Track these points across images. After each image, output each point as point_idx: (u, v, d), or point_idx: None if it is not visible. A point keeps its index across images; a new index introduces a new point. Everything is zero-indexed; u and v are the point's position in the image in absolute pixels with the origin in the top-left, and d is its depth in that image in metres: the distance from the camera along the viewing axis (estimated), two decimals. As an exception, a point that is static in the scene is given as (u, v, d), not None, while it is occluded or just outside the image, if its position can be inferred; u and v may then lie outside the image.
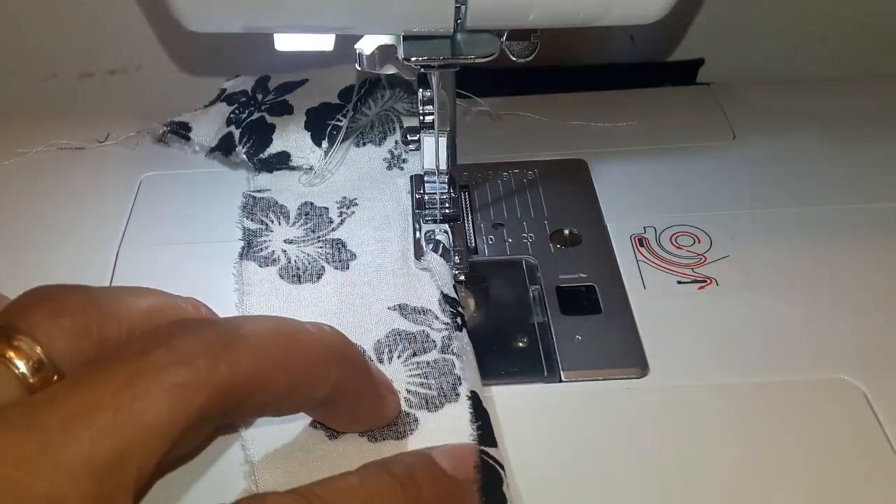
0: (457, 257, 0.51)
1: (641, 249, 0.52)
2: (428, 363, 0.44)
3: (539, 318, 0.49)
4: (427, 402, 0.42)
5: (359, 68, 0.46)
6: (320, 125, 0.58)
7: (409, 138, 0.53)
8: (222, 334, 0.32)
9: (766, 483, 0.41)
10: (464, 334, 0.46)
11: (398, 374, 0.44)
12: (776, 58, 0.69)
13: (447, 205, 0.52)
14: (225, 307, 0.48)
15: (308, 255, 0.51)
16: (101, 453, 0.28)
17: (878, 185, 0.56)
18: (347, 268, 0.50)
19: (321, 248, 0.51)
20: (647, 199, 0.56)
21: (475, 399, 0.42)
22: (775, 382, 0.45)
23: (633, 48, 0.69)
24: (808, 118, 0.62)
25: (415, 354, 0.45)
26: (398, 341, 0.45)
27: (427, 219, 0.52)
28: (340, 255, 0.51)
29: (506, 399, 0.44)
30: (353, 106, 0.58)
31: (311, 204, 0.54)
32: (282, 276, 0.50)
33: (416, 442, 0.41)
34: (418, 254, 0.51)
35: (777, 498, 0.40)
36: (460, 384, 0.43)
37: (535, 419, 0.44)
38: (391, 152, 0.58)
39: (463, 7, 0.41)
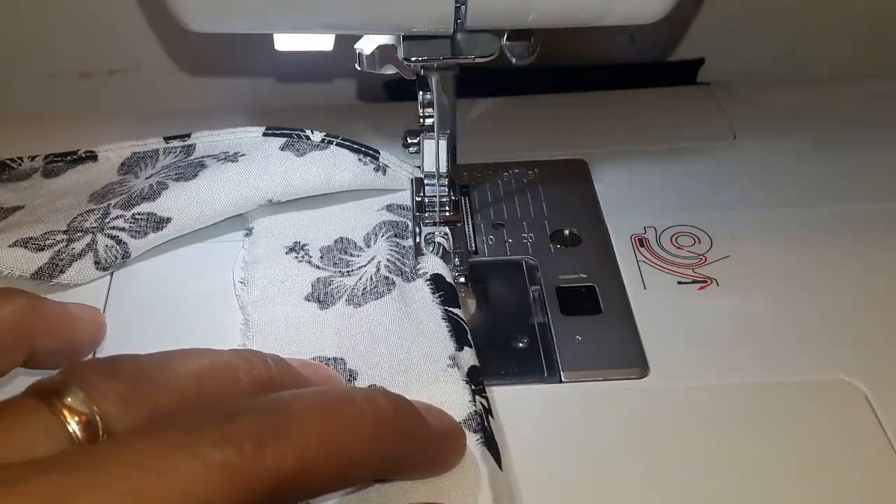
0: (457, 258, 0.51)
1: (641, 249, 0.52)
2: (405, 246, 0.51)
3: (539, 318, 0.49)
4: (402, 273, 0.48)
5: (359, 68, 0.46)
6: None
7: (409, 140, 0.53)
8: (271, 419, 0.31)
9: (767, 484, 0.41)
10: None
11: (381, 249, 0.50)
12: (776, 58, 0.69)
13: (447, 208, 0.52)
14: (225, 306, 0.49)
15: None
16: None
17: (879, 185, 0.56)
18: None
19: None
20: (647, 199, 0.56)
21: (438, 278, 0.48)
22: (775, 383, 0.45)
23: (633, 48, 0.69)
24: (809, 118, 0.62)
25: (396, 236, 0.51)
26: (383, 225, 0.52)
27: (427, 221, 0.52)
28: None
29: (506, 400, 0.44)
30: None
31: None
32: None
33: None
34: (418, 255, 0.51)
35: (777, 498, 0.40)
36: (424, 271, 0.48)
37: (535, 420, 0.44)
38: None
39: (463, 7, 0.41)
